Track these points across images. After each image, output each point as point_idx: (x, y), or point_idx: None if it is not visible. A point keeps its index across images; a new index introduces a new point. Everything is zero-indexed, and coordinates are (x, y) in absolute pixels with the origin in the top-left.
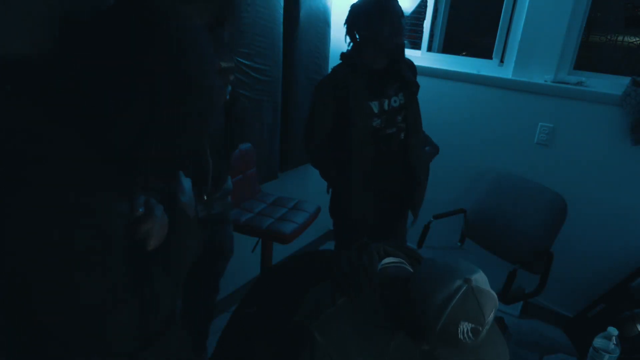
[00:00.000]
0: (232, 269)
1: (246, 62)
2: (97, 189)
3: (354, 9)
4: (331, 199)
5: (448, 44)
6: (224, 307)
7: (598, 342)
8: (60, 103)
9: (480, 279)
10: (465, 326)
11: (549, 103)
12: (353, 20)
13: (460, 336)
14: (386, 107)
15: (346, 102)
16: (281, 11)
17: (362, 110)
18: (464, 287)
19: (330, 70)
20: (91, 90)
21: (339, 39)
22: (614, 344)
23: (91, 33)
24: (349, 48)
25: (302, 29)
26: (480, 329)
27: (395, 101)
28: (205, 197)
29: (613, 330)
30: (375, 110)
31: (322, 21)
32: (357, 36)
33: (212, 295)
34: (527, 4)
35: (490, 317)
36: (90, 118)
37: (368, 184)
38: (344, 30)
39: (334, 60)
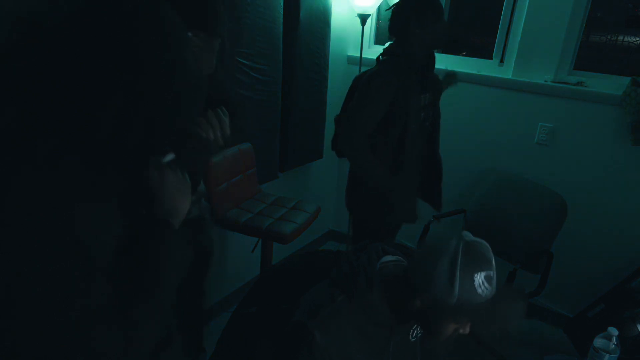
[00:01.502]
0: (232, 269)
1: (246, 62)
2: (76, 199)
3: (416, 3)
4: (355, 194)
5: (448, 44)
6: (224, 307)
7: (598, 342)
8: (33, 99)
9: (467, 234)
10: (479, 277)
11: (549, 103)
12: (414, 14)
13: (479, 289)
14: (427, 101)
15: (402, 95)
16: (281, 11)
17: (417, 102)
18: (462, 243)
19: (377, 65)
20: (67, 80)
21: (339, 39)
22: (614, 344)
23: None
24: (391, 42)
25: (302, 29)
26: (492, 273)
27: (430, 96)
28: None
29: (613, 330)
30: (424, 102)
31: (322, 21)
32: (411, 30)
33: (199, 299)
34: (527, 4)
35: (493, 261)
36: (68, 108)
37: (414, 182)
38: (347, 29)
39: (334, 61)
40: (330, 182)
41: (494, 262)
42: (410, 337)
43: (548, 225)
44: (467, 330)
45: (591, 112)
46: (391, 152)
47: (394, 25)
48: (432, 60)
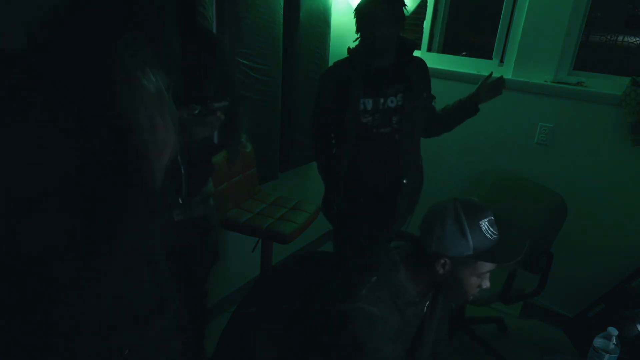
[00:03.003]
0: (232, 269)
1: (246, 62)
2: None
3: (358, 5)
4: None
5: (448, 44)
6: (224, 307)
7: (598, 342)
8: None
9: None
10: (484, 224)
11: (549, 103)
12: (356, 16)
13: (488, 235)
14: (381, 106)
15: (342, 93)
16: (281, 11)
17: (355, 105)
18: (458, 201)
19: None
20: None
21: (339, 39)
22: (614, 344)
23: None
24: (357, 42)
25: (302, 29)
26: (493, 217)
27: (392, 101)
28: (180, 201)
29: (613, 330)
30: (368, 107)
31: (322, 21)
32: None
33: (201, 299)
34: (527, 4)
35: (488, 210)
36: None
37: (353, 180)
38: (347, 29)
39: (334, 61)
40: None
41: (489, 211)
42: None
43: (548, 225)
44: (488, 283)
45: (591, 112)
46: (336, 152)
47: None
48: (402, 67)
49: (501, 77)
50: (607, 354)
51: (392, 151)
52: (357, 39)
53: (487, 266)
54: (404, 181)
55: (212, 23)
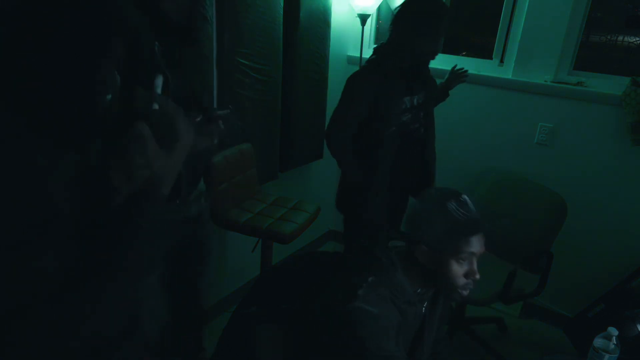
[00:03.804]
0: (232, 269)
1: (246, 62)
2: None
3: (417, 6)
4: (342, 194)
5: (448, 44)
6: (224, 307)
7: (598, 342)
8: None
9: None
10: (452, 204)
11: (549, 103)
12: (413, 21)
13: (456, 214)
14: (415, 102)
15: (383, 96)
16: (281, 11)
17: (398, 105)
18: (431, 188)
19: (362, 65)
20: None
21: (339, 39)
22: (614, 344)
23: None
24: (383, 42)
25: (302, 29)
26: (465, 199)
27: (420, 98)
28: (177, 201)
29: (613, 330)
30: (407, 105)
31: (322, 21)
32: (402, 32)
33: (197, 298)
34: (527, 4)
35: (463, 194)
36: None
37: (389, 182)
38: (347, 28)
39: (334, 61)
40: (330, 182)
41: (464, 194)
42: (423, 310)
43: (548, 225)
44: (476, 274)
45: (591, 112)
46: (373, 152)
47: (394, 27)
48: (425, 65)
49: (464, 70)
50: (607, 354)
51: (421, 146)
52: (388, 39)
53: (464, 247)
54: (431, 171)
55: (212, 23)
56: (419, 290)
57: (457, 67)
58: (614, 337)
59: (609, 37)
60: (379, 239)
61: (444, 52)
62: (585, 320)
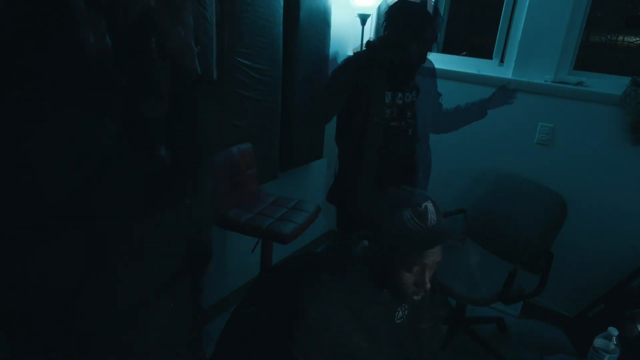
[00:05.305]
0: (232, 269)
1: (246, 62)
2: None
3: (400, 13)
4: (334, 187)
5: (448, 44)
6: (224, 307)
7: (598, 342)
8: None
9: None
10: (407, 213)
11: (549, 103)
12: (399, 17)
13: (409, 225)
14: (399, 100)
15: (363, 80)
16: (281, 11)
17: (378, 97)
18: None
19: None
20: None
21: (339, 39)
22: (614, 344)
23: None
24: (377, 37)
25: (302, 29)
26: (419, 207)
27: (408, 97)
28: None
29: (613, 330)
30: (387, 100)
31: (322, 21)
32: (389, 31)
33: (197, 298)
34: (527, 4)
35: (425, 196)
36: None
37: (375, 178)
38: (347, 28)
39: (333, 61)
40: (330, 182)
41: (427, 199)
42: (396, 319)
43: (548, 225)
44: (427, 284)
45: (591, 112)
46: (360, 146)
47: (384, 27)
48: (416, 67)
49: (515, 91)
50: (607, 354)
51: (406, 145)
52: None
53: (414, 258)
54: (420, 174)
55: (212, 23)
56: (377, 288)
57: (508, 85)
58: (614, 337)
59: (609, 37)
60: (353, 237)
61: (444, 51)
62: (585, 321)
